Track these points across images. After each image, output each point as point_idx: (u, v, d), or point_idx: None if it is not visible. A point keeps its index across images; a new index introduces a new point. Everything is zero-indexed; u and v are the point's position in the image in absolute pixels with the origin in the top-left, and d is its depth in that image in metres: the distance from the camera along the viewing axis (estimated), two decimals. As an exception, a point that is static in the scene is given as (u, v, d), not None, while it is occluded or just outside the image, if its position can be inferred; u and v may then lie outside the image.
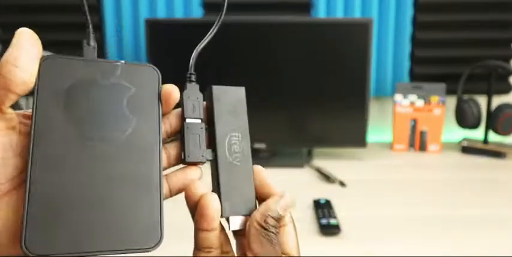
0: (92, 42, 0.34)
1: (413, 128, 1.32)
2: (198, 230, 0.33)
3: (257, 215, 0.33)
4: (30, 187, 0.27)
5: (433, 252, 0.77)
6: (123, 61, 0.33)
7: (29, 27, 1.08)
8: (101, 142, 0.30)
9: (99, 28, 1.37)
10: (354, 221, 0.87)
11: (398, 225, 0.87)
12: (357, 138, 1.23)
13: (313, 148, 1.29)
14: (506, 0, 1.32)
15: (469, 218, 0.89)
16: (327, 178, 1.10)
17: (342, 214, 0.89)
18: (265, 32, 1.18)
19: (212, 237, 0.32)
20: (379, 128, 1.44)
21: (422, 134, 1.32)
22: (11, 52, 0.29)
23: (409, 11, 1.33)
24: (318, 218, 0.86)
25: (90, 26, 0.34)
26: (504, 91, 1.40)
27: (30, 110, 0.30)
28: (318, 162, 1.21)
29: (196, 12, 1.34)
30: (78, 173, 0.29)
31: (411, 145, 1.33)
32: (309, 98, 1.21)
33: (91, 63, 0.32)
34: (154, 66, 0.34)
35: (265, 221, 0.32)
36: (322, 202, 0.93)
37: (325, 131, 1.23)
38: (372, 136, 1.44)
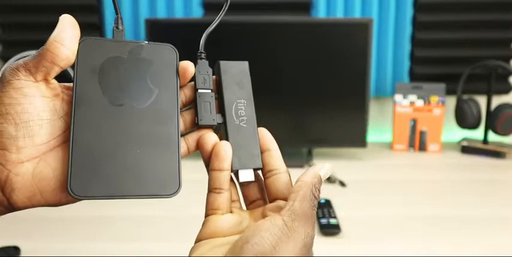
0: (120, 26, 0.39)
1: (413, 128, 1.32)
2: (211, 171, 0.39)
3: (313, 180, 0.37)
4: (73, 143, 0.34)
5: (433, 252, 0.77)
6: (146, 42, 0.39)
7: (29, 27, 1.12)
8: (129, 107, 0.36)
9: (99, 28, 1.37)
10: (354, 221, 0.87)
11: (398, 225, 0.87)
12: (357, 138, 1.23)
13: (313, 148, 1.29)
14: (506, 0, 1.32)
15: (469, 218, 0.90)
16: (327, 177, 1.10)
17: (342, 214, 0.89)
18: (265, 32, 1.18)
19: (223, 177, 0.39)
20: (379, 128, 1.44)
21: (422, 134, 1.32)
22: (57, 33, 0.36)
23: (409, 11, 1.33)
24: (318, 218, 0.86)
25: (119, 13, 0.40)
26: (504, 91, 1.40)
27: (71, 83, 0.37)
28: (318, 162, 1.22)
29: (196, 12, 1.34)
30: (111, 132, 0.35)
31: (411, 145, 1.33)
32: (309, 98, 1.21)
33: (120, 43, 0.38)
34: (172, 46, 0.42)
35: (315, 187, 0.36)
36: (322, 201, 0.93)
37: (325, 131, 1.23)
38: (372, 136, 1.44)
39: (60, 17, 0.38)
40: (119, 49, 0.38)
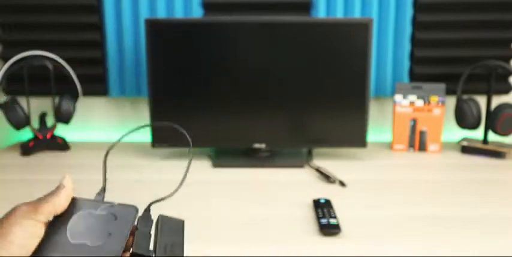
0: (101, 194, 0.55)
1: (413, 128, 1.32)
2: None
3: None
4: None
5: (433, 252, 0.77)
6: (116, 203, 0.53)
7: (29, 27, 1.12)
8: (84, 245, 0.48)
9: (99, 28, 1.37)
10: (354, 221, 0.87)
11: (398, 225, 0.87)
12: (357, 138, 1.23)
13: (313, 148, 1.29)
14: (506, 0, 1.32)
15: (469, 218, 0.90)
16: (327, 178, 1.10)
17: (342, 214, 0.89)
18: (265, 32, 1.18)
19: None
20: (379, 128, 1.44)
21: (422, 134, 1.32)
22: (59, 198, 0.52)
23: (408, 11, 1.33)
24: (318, 218, 0.86)
25: (105, 185, 0.56)
26: (504, 91, 1.40)
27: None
28: (318, 162, 1.22)
29: (196, 12, 1.34)
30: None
31: (411, 144, 1.33)
32: (309, 98, 1.21)
33: (95, 202, 0.53)
34: (136, 206, 0.54)
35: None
36: (322, 201, 0.93)
37: (325, 131, 1.23)
38: (371, 136, 1.44)
39: (64, 182, 0.54)
40: (93, 205, 0.52)
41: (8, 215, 0.49)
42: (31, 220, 0.48)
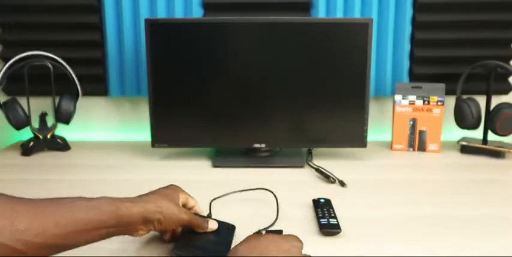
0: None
1: (413, 128, 1.32)
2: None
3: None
4: None
5: (432, 252, 0.77)
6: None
7: (29, 27, 1.13)
8: None
9: (99, 28, 1.37)
10: (354, 221, 0.88)
11: (398, 225, 0.87)
12: (356, 138, 1.23)
13: (313, 147, 1.30)
14: (506, 0, 1.32)
15: (469, 218, 0.90)
16: (327, 177, 1.10)
17: (341, 214, 0.89)
18: (265, 32, 1.18)
19: None
20: (379, 128, 1.44)
21: (421, 133, 1.32)
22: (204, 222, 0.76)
23: (408, 11, 1.33)
24: (318, 218, 0.86)
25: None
26: (503, 91, 1.40)
27: None
28: (318, 162, 1.22)
29: (196, 12, 1.34)
30: None
31: (411, 144, 1.33)
32: (309, 98, 1.21)
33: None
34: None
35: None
36: (322, 201, 0.93)
37: (325, 131, 1.23)
38: (371, 136, 1.44)
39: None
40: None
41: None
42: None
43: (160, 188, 0.75)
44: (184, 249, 0.72)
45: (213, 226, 0.76)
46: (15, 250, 0.52)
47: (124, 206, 0.63)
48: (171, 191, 0.75)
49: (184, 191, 0.78)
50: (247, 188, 1.00)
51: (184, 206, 0.77)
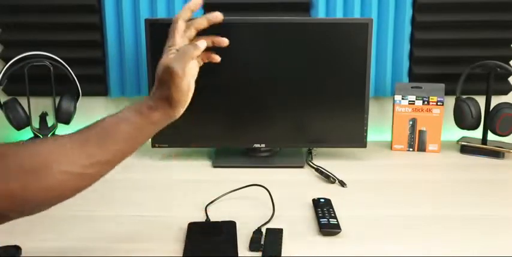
0: None
1: (413, 128, 1.32)
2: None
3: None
4: None
5: (432, 252, 0.77)
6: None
7: (29, 27, 1.13)
8: None
9: (99, 28, 1.37)
10: (354, 221, 0.88)
11: (398, 225, 0.87)
12: (356, 138, 1.23)
13: (313, 147, 1.30)
14: (506, 0, 1.32)
15: (469, 217, 0.90)
16: (327, 177, 1.10)
17: (342, 214, 0.89)
18: (265, 32, 1.18)
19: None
20: (379, 128, 1.44)
21: (421, 134, 1.32)
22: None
23: (408, 11, 1.33)
24: (318, 217, 0.86)
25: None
26: (503, 92, 1.40)
27: None
28: (318, 162, 1.22)
29: (196, 12, 1.33)
30: None
31: (410, 144, 1.33)
32: (309, 98, 1.21)
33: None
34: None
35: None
36: (322, 201, 0.93)
37: (324, 131, 1.23)
38: (371, 136, 1.44)
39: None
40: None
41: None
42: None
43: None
44: (195, 253, 0.74)
45: (201, 44, 0.75)
46: (74, 173, 0.59)
47: (142, 109, 0.67)
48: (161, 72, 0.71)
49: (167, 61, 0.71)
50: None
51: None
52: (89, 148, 0.61)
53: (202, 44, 0.74)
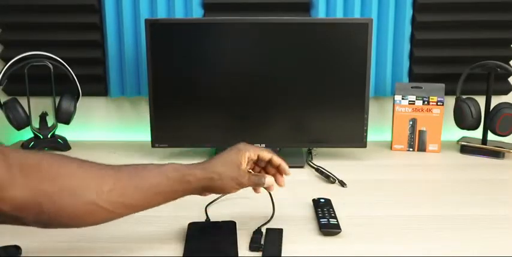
0: None
1: (413, 128, 1.32)
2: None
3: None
4: None
5: (432, 252, 0.77)
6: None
7: (29, 27, 1.13)
8: None
9: (100, 28, 1.37)
10: (354, 221, 0.88)
11: (398, 225, 0.87)
12: (356, 138, 1.23)
13: (313, 147, 1.30)
14: (506, 0, 1.32)
15: (468, 217, 0.90)
16: (327, 177, 1.10)
17: (342, 214, 0.89)
18: (265, 32, 1.18)
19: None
20: (379, 128, 1.44)
21: (421, 134, 1.32)
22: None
23: (408, 11, 1.33)
24: (318, 217, 0.86)
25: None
26: (503, 92, 1.40)
27: None
28: (318, 162, 1.22)
29: (196, 12, 1.34)
30: None
31: (410, 144, 1.33)
32: (309, 98, 1.21)
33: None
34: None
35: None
36: (322, 201, 0.93)
37: (324, 131, 1.23)
38: (371, 136, 1.44)
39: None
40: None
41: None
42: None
43: (226, 151, 0.78)
44: (195, 253, 0.74)
45: (269, 181, 0.79)
46: (104, 208, 0.63)
47: (188, 175, 0.72)
48: (235, 154, 0.77)
49: (252, 148, 0.79)
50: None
51: (260, 160, 0.80)
52: (126, 191, 0.65)
53: (270, 180, 0.80)
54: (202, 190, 0.75)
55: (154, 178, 0.68)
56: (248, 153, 0.77)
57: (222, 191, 0.76)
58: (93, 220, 0.64)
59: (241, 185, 0.76)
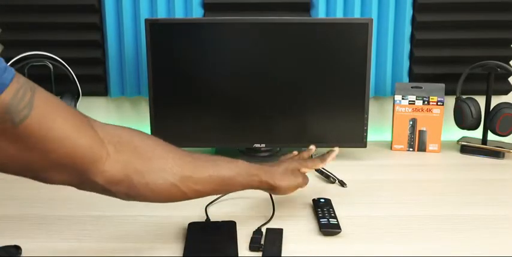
0: None
1: (413, 128, 1.32)
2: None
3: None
4: None
5: (432, 252, 0.77)
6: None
7: (29, 27, 1.12)
8: None
9: (100, 28, 1.37)
10: (354, 221, 0.88)
11: (398, 225, 0.87)
12: (356, 138, 1.23)
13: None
14: (506, 0, 1.32)
15: (468, 217, 0.90)
16: (327, 177, 1.10)
17: (342, 214, 0.89)
18: (265, 32, 1.18)
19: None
20: (379, 128, 1.44)
21: (421, 134, 1.32)
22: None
23: (408, 11, 1.33)
24: (318, 218, 0.86)
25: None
26: (503, 92, 1.40)
27: None
28: (317, 162, 1.21)
29: (196, 12, 1.34)
30: None
31: (410, 144, 1.33)
32: (308, 98, 1.21)
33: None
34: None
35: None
36: (322, 201, 0.93)
37: (324, 131, 1.23)
38: (371, 136, 1.44)
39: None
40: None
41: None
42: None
43: (283, 163, 0.89)
44: (195, 253, 0.74)
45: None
46: (181, 191, 0.70)
47: (255, 175, 0.80)
48: (290, 168, 0.88)
49: (296, 162, 0.91)
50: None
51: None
52: (201, 179, 0.72)
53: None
54: (265, 189, 0.84)
55: (226, 171, 0.76)
56: (296, 164, 0.91)
57: (282, 193, 0.86)
58: (172, 198, 0.71)
59: (299, 186, 0.88)
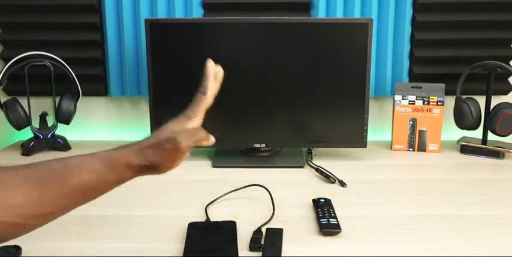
0: None
1: (413, 128, 1.32)
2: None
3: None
4: None
5: (432, 252, 0.77)
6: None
7: (29, 27, 1.13)
8: None
9: (100, 28, 1.37)
10: (354, 221, 0.88)
11: (398, 225, 0.87)
12: (356, 138, 1.23)
13: (313, 147, 1.30)
14: (506, 0, 1.32)
15: (468, 217, 0.90)
16: (327, 177, 1.10)
17: (342, 214, 0.89)
18: (265, 32, 1.18)
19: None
20: (379, 128, 1.44)
21: (421, 134, 1.32)
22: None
23: (408, 11, 1.33)
24: (318, 218, 0.86)
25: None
26: (503, 92, 1.40)
27: None
28: (318, 162, 1.22)
29: (196, 12, 1.34)
30: None
31: (410, 144, 1.33)
32: (309, 98, 1.21)
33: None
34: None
35: None
36: (322, 201, 0.93)
37: (324, 131, 1.23)
38: (371, 136, 1.44)
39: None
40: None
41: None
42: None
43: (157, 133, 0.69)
44: (195, 253, 0.74)
45: (211, 142, 0.71)
46: (14, 223, 0.51)
47: (118, 163, 0.61)
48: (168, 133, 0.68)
49: (175, 122, 0.73)
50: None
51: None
52: (42, 200, 0.53)
53: (212, 142, 0.72)
54: (146, 165, 0.64)
55: (78, 177, 0.56)
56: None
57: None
58: (3, 238, 0.53)
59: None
